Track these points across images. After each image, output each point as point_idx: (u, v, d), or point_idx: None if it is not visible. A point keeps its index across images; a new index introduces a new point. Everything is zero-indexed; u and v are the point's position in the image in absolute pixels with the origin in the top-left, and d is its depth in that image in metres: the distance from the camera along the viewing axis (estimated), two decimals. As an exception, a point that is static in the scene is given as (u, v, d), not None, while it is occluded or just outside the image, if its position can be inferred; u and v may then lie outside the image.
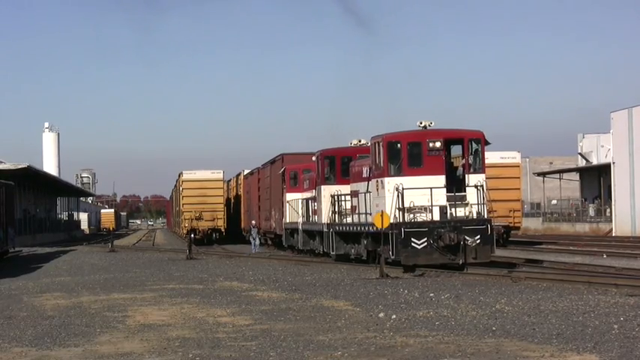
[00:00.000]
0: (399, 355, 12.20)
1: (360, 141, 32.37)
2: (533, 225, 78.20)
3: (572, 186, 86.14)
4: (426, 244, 25.50)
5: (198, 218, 61.97)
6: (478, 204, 26.32)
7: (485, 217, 26.42)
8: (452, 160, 27.50)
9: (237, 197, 70.08)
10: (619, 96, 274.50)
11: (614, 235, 60.40)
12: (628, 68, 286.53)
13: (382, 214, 25.29)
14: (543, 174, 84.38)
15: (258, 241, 46.53)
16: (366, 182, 28.62)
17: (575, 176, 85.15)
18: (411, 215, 25.99)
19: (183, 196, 64.02)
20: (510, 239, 47.81)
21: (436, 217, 26.01)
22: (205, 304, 19.27)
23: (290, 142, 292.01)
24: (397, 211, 25.88)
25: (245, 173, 65.05)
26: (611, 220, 63.87)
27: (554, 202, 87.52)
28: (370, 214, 27.86)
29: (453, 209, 26.26)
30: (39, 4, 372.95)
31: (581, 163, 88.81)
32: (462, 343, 12.94)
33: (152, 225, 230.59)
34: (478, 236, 25.73)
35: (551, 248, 42.89)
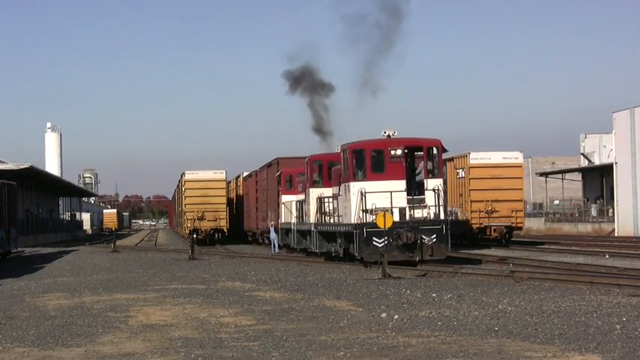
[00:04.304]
0: (402, 356, 12.20)
1: None
2: (535, 225, 78.17)
3: (574, 186, 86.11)
4: (386, 242, 27.61)
5: (201, 218, 61.89)
6: (435, 206, 28.50)
7: (442, 218, 28.57)
8: (415, 166, 29.89)
9: (238, 198, 70.41)
10: (621, 96, 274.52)
11: (616, 235, 60.35)
12: (630, 68, 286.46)
13: (384, 215, 26.02)
14: (546, 174, 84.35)
15: (277, 242, 45.45)
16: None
17: (578, 176, 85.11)
18: (373, 216, 27.87)
19: (185, 196, 63.97)
20: (513, 239, 47.82)
21: (396, 218, 28.08)
22: (208, 304, 19.28)
23: (290, 142, 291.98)
24: (361, 212, 28.22)
25: (244, 175, 66.05)
26: (613, 221, 63.81)
27: (556, 202, 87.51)
28: (341, 215, 30.53)
29: (412, 211, 28.55)
30: (40, 4, 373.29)
31: (584, 163, 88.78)
32: (465, 344, 12.94)
33: (154, 225, 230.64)
34: (434, 235, 28.05)
35: (553, 248, 42.86)
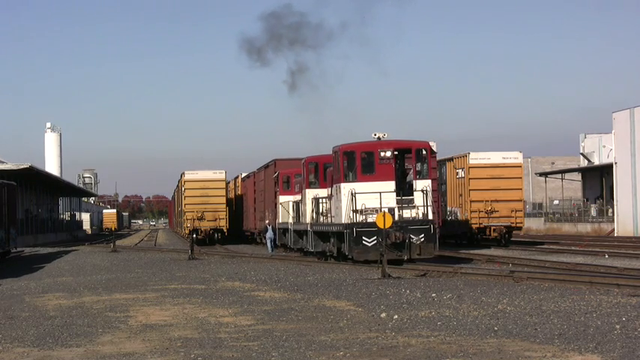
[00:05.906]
0: (401, 356, 12.20)
1: None
2: (535, 225, 78.17)
3: (574, 186, 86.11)
4: (375, 242, 28.36)
5: (201, 218, 61.90)
6: (424, 206, 29.24)
7: (430, 218, 29.27)
8: (407, 167, 30.63)
9: (237, 198, 70.56)
10: (621, 96, 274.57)
11: (616, 235, 60.34)
12: (630, 68, 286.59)
13: (384, 215, 26.07)
14: (545, 174, 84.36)
15: (272, 242, 45.23)
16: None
17: (577, 176, 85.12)
18: (363, 217, 29.01)
19: (185, 196, 63.99)
20: (512, 239, 47.81)
21: None
22: (207, 304, 19.28)
23: (290, 142, 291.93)
24: (351, 212, 29.06)
25: (243, 176, 66.44)
26: (613, 221, 63.81)
27: (556, 202, 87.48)
28: (334, 215, 31.34)
29: (401, 211, 29.30)
30: (41, 4, 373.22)
31: (583, 163, 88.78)
32: (464, 344, 12.94)
33: (154, 225, 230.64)
34: (422, 235, 28.89)
35: (552, 248, 42.87)
